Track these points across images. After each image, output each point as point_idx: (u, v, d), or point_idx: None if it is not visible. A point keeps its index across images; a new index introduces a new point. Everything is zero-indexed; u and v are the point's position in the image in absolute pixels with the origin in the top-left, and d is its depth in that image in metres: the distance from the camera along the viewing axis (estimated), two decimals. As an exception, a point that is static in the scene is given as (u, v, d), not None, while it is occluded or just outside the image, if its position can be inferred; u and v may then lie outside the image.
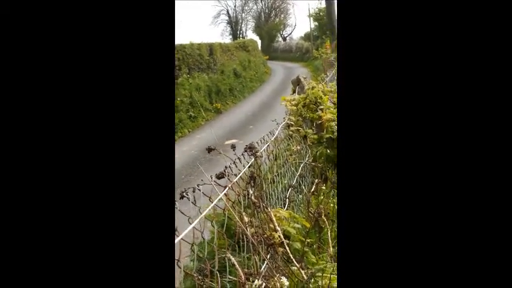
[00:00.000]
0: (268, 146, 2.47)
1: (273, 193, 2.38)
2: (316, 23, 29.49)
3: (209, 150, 2.06)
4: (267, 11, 42.88)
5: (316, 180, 2.88)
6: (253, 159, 1.96)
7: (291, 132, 3.34)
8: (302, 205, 2.82)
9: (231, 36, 42.47)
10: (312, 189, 2.88)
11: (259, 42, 34.76)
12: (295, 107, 3.71)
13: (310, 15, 29.79)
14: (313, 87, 3.79)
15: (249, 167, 1.89)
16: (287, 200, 2.50)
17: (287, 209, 2.28)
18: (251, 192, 1.77)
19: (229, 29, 43.82)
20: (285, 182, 2.84)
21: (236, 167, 1.94)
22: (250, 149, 1.91)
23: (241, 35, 42.30)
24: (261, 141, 2.37)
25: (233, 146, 2.12)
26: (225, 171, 1.88)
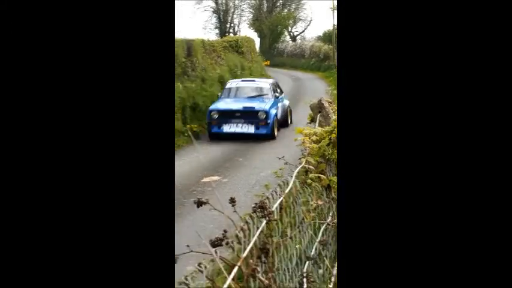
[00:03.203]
0: (281, 200, 2.51)
1: (285, 268, 2.40)
2: (341, 19, 30.00)
3: (199, 203, 2.09)
4: (271, -2, 42.88)
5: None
6: (263, 222, 1.99)
7: (309, 181, 3.39)
8: (323, 285, 2.83)
9: (217, 31, 42.61)
10: (337, 263, 2.90)
11: (257, 41, 35.21)
12: (316, 145, 3.78)
13: (334, 8, 29.73)
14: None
15: (259, 233, 1.92)
16: (304, 279, 2.51)
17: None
18: (260, 270, 1.79)
19: (215, 20, 43.87)
20: (299, 246, 2.87)
21: (240, 229, 1.96)
22: (261, 208, 1.94)
23: (232, 30, 42.52)
24: (271, 195, 2.40)
25: (232, 201, 2.14)
26: (224, 235, 1.91)
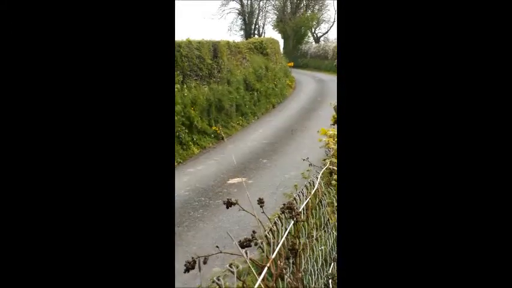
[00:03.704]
0: (307, 201, 2.53)
1: (311, 269, 2.43)
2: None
3: (228, 204, 2.13)
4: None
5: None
6: (291, 223, 2.02)
7: (334, 182, 3.40)
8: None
9: (242, 33, 42.78)
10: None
11: (281, 42, 35.13)
12: (341, 146, 3.78)
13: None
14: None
15: (287, 234, 1.95)
16: (329, 280, 2.54)
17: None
18: (288, 271, 1.82)
19: (240, 22, 44.01)
20: (324, 248, 2.88)
21: (269, 229, 1.99)
22: (289, 209, 1.97)
23: (256, 32, 42.61)
24: (298, 196, 2.43)
25: (261, 202, 2.17)
26: (253, 236, 1.94)
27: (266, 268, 1.64)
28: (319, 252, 2.76)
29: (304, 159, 3.76)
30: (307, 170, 3.54)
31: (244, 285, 1.46)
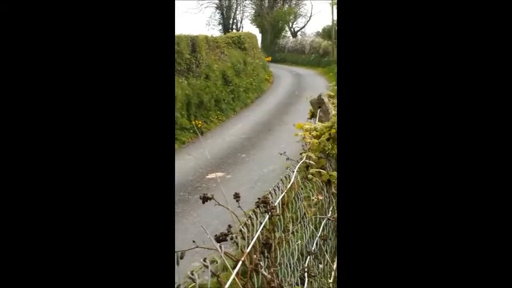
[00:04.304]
0: (283, 196, 2.54)
1: (287, 263, 2.44)
2: (341, 15, 29.43)
3: (204, 199, 2.12)
4: (272, -6, 42.71)
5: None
6: (266, 217, 2.03)
7: (310, 176, 3.42)
8: (323, 279, 2.87)
9: (220, 27, 42.63)
10: (337, 258, 2.94)
11: (259, 37, 35.16)
12: (316, 140, 3.80)
13: (332, 3, 29.72)
14: (342, 114, 3.88)
15: (262, 229, 1.96)
16: (305, 274, 2.55)
17: (307, 288, 2.33)
18: (263, 266, 1.83)
19: (218, 16, 43.81)
20: (300, 242, 2.90)
21: (244, 224, 2.00)
22: (264, 204, 1.98)
23: (235, 26, 42.49)
24: (274, 190, 2.44)
25: (237, 197, 2.18)
26: (229, 230, 1.94)
27: (240, 262, 1.65)
28: (296, 246, 2.78)
29: (281, 154, 3.77)
30: (287, 168, 3.55)
31: (219, 280, 1.46)
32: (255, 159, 10.21)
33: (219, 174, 9.27)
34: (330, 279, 2.98)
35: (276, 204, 2.28)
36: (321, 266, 3.01)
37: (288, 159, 3.55)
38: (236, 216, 2.05)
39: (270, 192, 2.34)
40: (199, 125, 13.00)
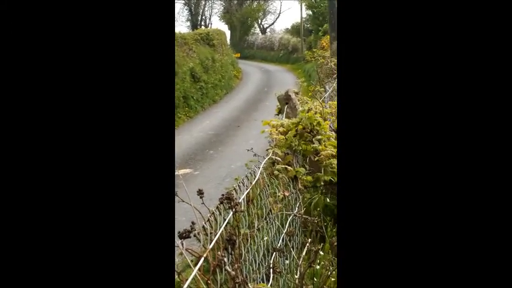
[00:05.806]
0: (248, 192, 2.52)
1: (252, 259, 2.42)
2: (310, 12, 29.36)
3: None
4: (241, -10, 42.59)
5: (308, 242, 2.93)
6: (230, 214, 2.01)
7: (276, 172, 3.41)
8: (289, 275, 2.86)
9: (189, 24, 42.35)
10: (304, 254, 2.93)
11: (228, 33, 35.08)
12: (283, 136, 3.79)
13: (301, 0, 29.95)
14: (309, 110, 3.89)
15: (225, 225, 1.93)
16: (270, 270, 2.54)
17: (271, 285, 2.31)
18: (227, 262, 1.80)
19: (186, 12, 43.54)
20: (267, 239, 2.89)
21: (207, 221, 1.97)
22: (228, 200, 1.95)
23: (203, 23, 42.31)
24: (239, 186, 2.42)
25: (200, 193, 2.14)
26: (192, 227, 1.91)
27: (203, 259, 1.62)
28: (261, 242, 2.77)
29: (248, 150, 3.76)
30: (250, 161, 3.54)
31: (180, 278, 1.43)
32: (223, 155, 10.17)
33: (187, 170, 9.20)
34: (296, 275, 2.97)
35: (240, 200, 2.26)
36: (287, 262, 3.00)
37: (255, 155, 3.54)
38: (200, 212, 2.03)
39: (235, 189, 2.32)
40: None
